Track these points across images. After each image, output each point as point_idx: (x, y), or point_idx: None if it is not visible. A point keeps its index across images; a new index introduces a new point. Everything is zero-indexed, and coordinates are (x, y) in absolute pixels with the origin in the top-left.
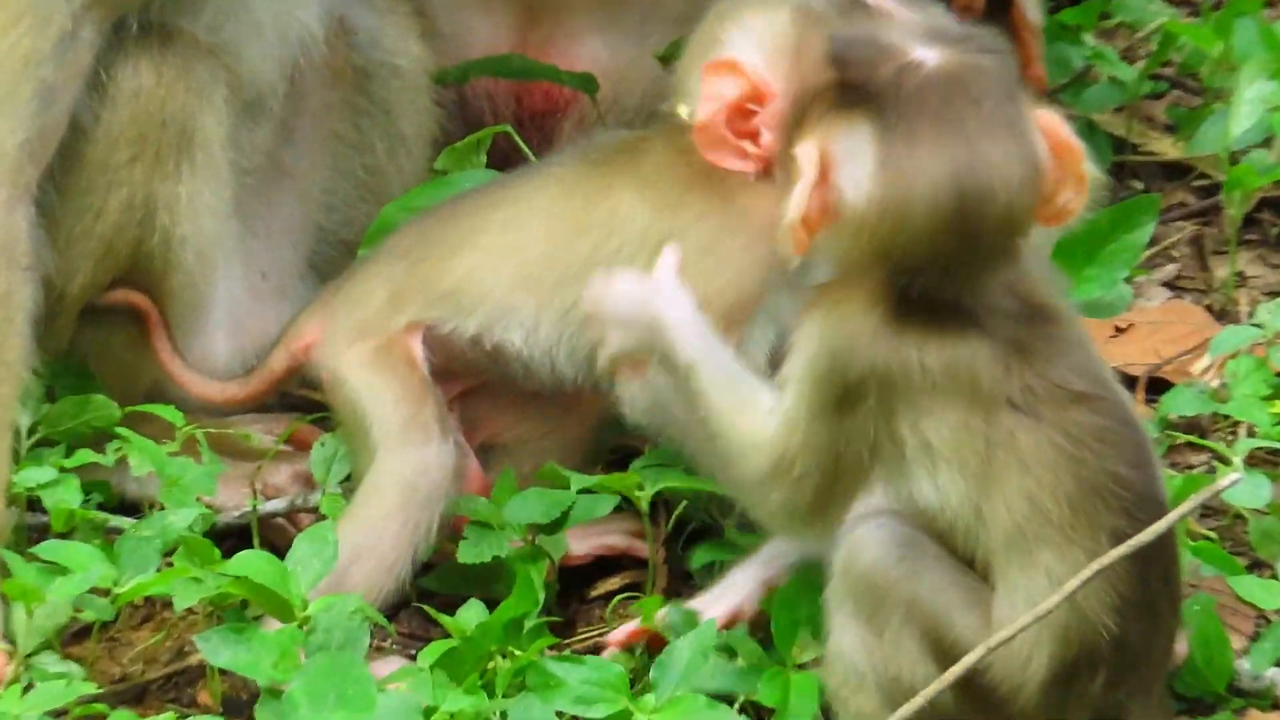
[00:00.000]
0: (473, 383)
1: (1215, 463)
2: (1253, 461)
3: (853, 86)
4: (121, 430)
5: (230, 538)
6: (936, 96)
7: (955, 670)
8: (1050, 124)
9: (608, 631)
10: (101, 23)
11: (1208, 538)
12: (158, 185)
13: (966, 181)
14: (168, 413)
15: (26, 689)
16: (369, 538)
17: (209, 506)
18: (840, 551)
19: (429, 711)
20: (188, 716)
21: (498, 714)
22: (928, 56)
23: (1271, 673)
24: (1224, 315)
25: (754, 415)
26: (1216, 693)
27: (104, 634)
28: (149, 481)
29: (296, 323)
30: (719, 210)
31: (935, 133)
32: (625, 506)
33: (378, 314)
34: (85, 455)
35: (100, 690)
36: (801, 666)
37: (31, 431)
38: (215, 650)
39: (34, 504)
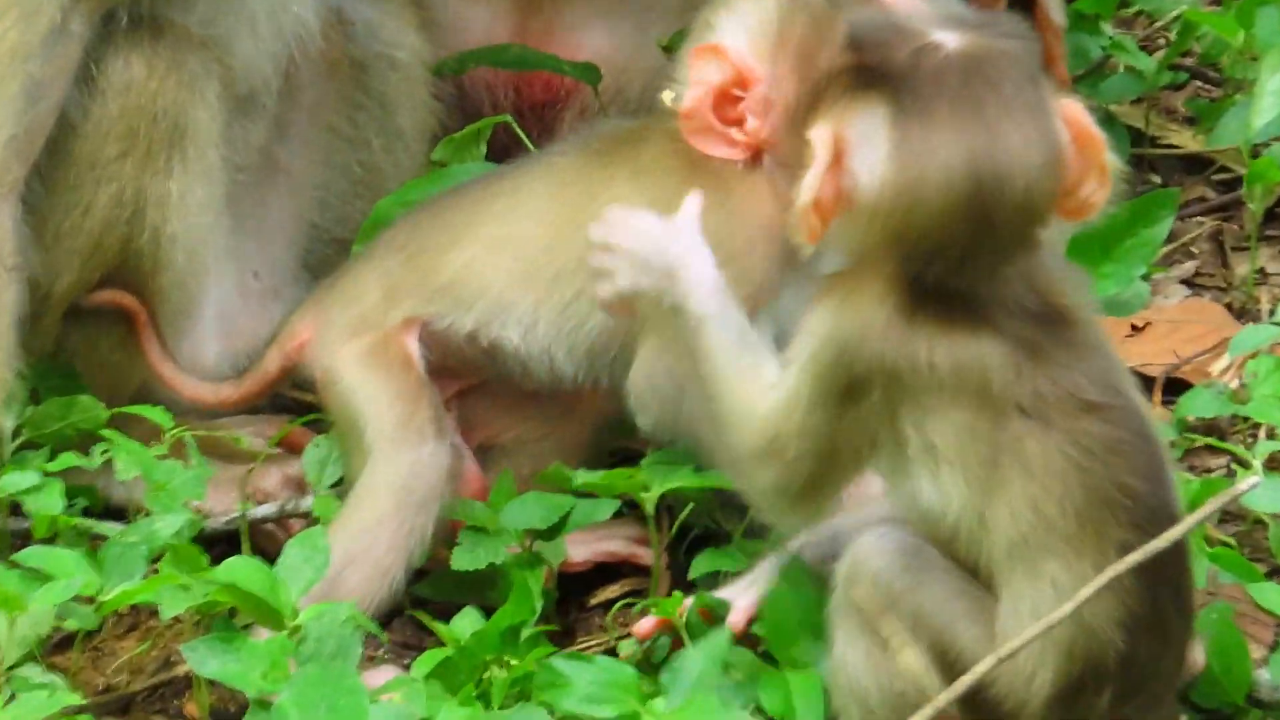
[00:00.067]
0: (470, 381)
1: (1234, 466)
2: (1273, 465)
3: (869, 69)
4: (107, 432)
5: (219, 544)
6: (955, 78)
7: (965, 680)
8: (1073, 113)
9: (608, 640)
10: (91, 15)
11: (1226, 544)
12: (148, 181)
13: (984, 165)
14: (156, 414)
15: (8, 701)
16: (362, 543)
17: (197, 511)
18: (843, 562)
19: None
20: None
21: None
22: (947, 39)
23: None
24: (1244, 314)
25: (755, 386)
26: (1235, 704)
27: (88, 643)
28: (135, 486)
29: (290, 321)
30: (718, 204)
31: (952, 115)
32: (626, 511)
33: (372, 309)
34: (69, 459)
35: (84, 702)
36: (796, 668)
37: (16, 434)
38: (203, 660)
39: (16, 509)
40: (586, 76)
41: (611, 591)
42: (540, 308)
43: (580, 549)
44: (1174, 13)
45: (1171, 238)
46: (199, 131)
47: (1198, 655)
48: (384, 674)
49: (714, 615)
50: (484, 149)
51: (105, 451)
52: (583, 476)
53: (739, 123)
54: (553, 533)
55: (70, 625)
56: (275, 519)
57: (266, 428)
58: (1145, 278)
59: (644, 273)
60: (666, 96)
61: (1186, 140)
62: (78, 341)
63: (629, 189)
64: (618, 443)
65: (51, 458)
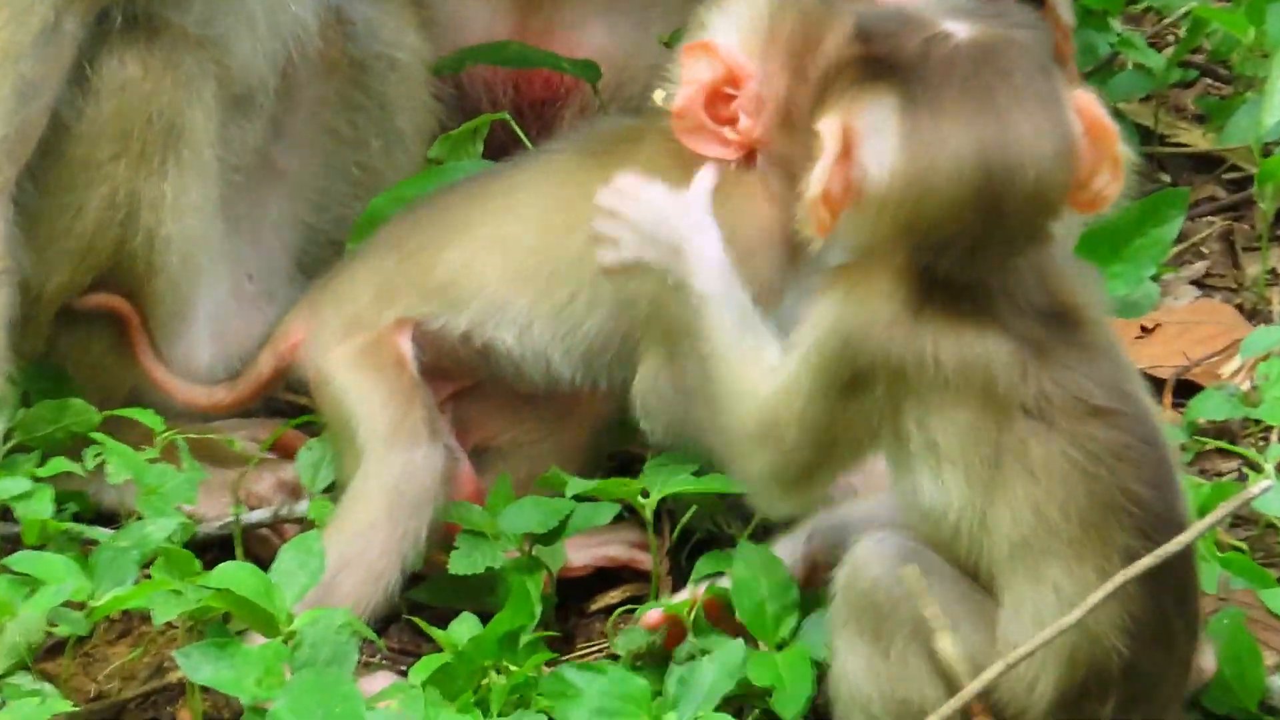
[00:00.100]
0: (465, 383)
1: (1246, 470)
2: None
3: (877, 59)
4: (99, 435)
5: (212, 549)
6: (965, 68)
7: (973, 686)
8: (1085, 103)
9: (607, 646)
10: (85, 15)
11: (1238, 549)
12: (142, 183)
13: (995, 155)
14: (148, 417)
15: None
16: (355, 546)
17: (189, 516)
18: (842, 569)
19: None
20: None
21: None
22: (957, 29)
23: None
24: (1255, 315)
25: (756, 368)
26: (1247, 710)
27: (79, 650)
28: (127, 491)
29: (283, 323)
30: (715, 207)
31: (963, 105)
32: (627, 515)
33: (365, 310)
34: (60, 464)
35: (75, 709)
36: (782, 645)
37: (6, 437)
38: (196, 666)
39: (6, 513)
40: (586, 74)
41: (612, 597)
42: (535, 309)
43: (580, 554)
44: (1183, 9)
45: (1181, 238)
46: (194, 132)
47: (1208, 661)
48: (380, 680)
49: (721, 610)
50: (481, 147)
51: (97, 455)
52: (577, 485)
53: (731, 121)
54: (552, 537)
55: (61, 631)
56: (269, 524)
57: (260, 431)
58: (1155, 278)
59: (650, 246)
60: (658, 95)
61: (1196, 139)
62: (69, 344)
63: None
64: (617, 447)
65: (42, 462)
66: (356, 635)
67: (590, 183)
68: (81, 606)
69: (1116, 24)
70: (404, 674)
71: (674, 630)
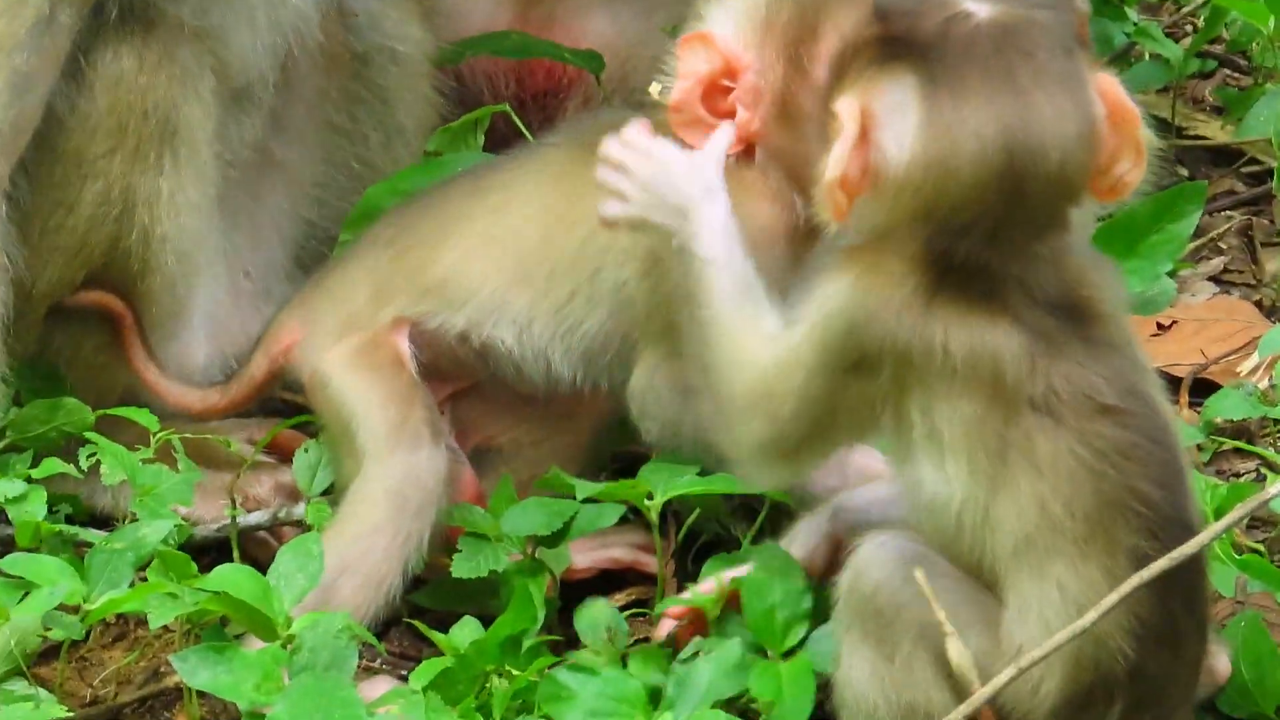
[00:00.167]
0: (464, 383)
1: (1264, 470)
2: None
3: (896, 39)
4: (92, 435)
5: (209, 552)
6: (987, 47)
7: (985, 692)
8: (1108, 86)
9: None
10: (80, 6)
11: (1255, 550)
12: (137, 179)
13: (1017, 137)
14: (143, 417)
15: None
16: (356, 551)
17: (185, 518)
18: (845, 572)
19: None
20: None
21: None
22: (978, 8)
23: None
24: (1274, 312)
25: (754, 336)
26: (1265, 715)
27: (74, 654)
28: (121, 493)
29: (276, 323)
30: None
31: (985, 86)
32: (632, 517)
33: (361, 309)
34: (54, 465)
35: (70, 714)
36: (788, 654)
37: None
38: (193, 671)
39: None
40: (589, 64)
41: (616, 600)
42: (535, 307)
43: (584, 556)
44: None
45: (1199, 233)
46: (191, 127)
47: (1221, 664)
48: (381, 685)
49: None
50: (481, 139)
51: (91, 455)
52: (584, 489)
53: (729, 114)
54: (555, 539)
55: (56, 635)
56: (267, 526)
57: (257, 431)
58: (1172, 274)
59: (656, 206)
60: (654, 89)
61: (1215, 131)
62: (62, 343)
63: None
64: (619, 447)
65: (35, 462)
66: (356, 639)
67: (587, 178)
68: (76, 610)
69: (1133, 13)
70: (404, 679)
71: (694, 623)
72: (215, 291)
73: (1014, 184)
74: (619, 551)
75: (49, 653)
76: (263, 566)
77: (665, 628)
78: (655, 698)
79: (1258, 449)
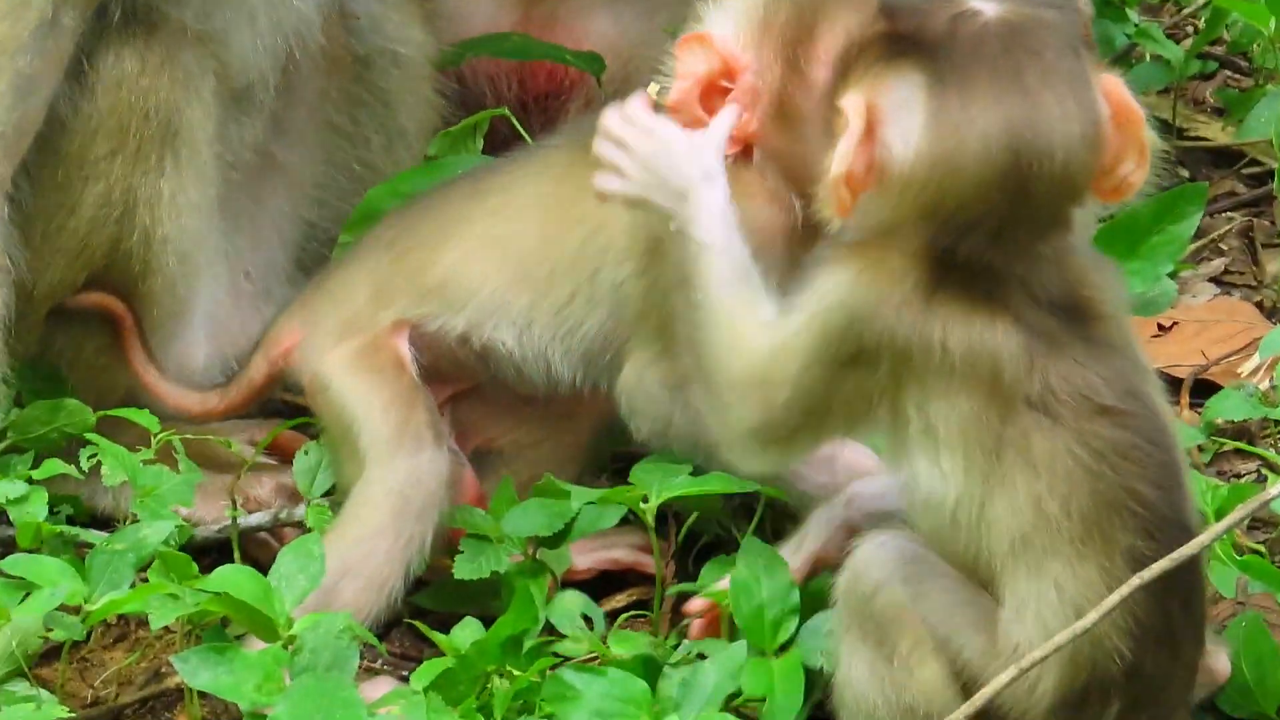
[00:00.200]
0: (464, 385)
1: (1264, 471)
2: None
3: (903, 36)
4: (93, 436)
5: (210, 553)
6: (994, 46)
7: (985, 693)
8: (1112, 86)
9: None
10: (84, 9)
11: (1256, 551)
12: (138, 181)
13: (1023, 136)
14: (143, 418)
15: None
16: (358, 553)
17: (186, 519)
18: (844, 573)
19: None
20: None
21: None
22: (985, 6)
23: None
24: (1275, 313)
25: (749, 320)
26: (1267, 715)
27: (75, 654)
28: (122, 494)
29: (275, 326)
30: None
31: (992, 84)
32: (632, 518)
33: (361, 311)
34: (55, 466)
35: (71, 715)
36: (780, 651)
37: (0, 437)
38: (194, 672)
39: (0, 516)
40: (590, 66)
41: (617, 601)
42: (535, 309)
43: (584, 557)
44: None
45: (1200, 234)
46: (193, 129)
47: (1221, 664)
48: (382, 686)
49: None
50: (481, 143)
51: (92, 456)
52: (580, 495)
53: None
54: (556, 540)
55: (57, 636)
56: (268, 527)
57: (259, 432)
58: (1172, 276)
59: (655, 187)
60: (652, 89)
61: (1215, 132)
62: (63, 344)
63: None
64: (620, 448)
65: (36, 463)
66: (357, 640)
67: (587, 180)
68: (77, 611)
69: (1134, 15)
70: (405, 679)
71: (714, 616)
72: (216, 293)
73: (1019, 183)
74: (619, 553)
75: (50, 653)
76: (264, 567)
77: (697, 629)
78: (660, 699)
79: (1258, 450)
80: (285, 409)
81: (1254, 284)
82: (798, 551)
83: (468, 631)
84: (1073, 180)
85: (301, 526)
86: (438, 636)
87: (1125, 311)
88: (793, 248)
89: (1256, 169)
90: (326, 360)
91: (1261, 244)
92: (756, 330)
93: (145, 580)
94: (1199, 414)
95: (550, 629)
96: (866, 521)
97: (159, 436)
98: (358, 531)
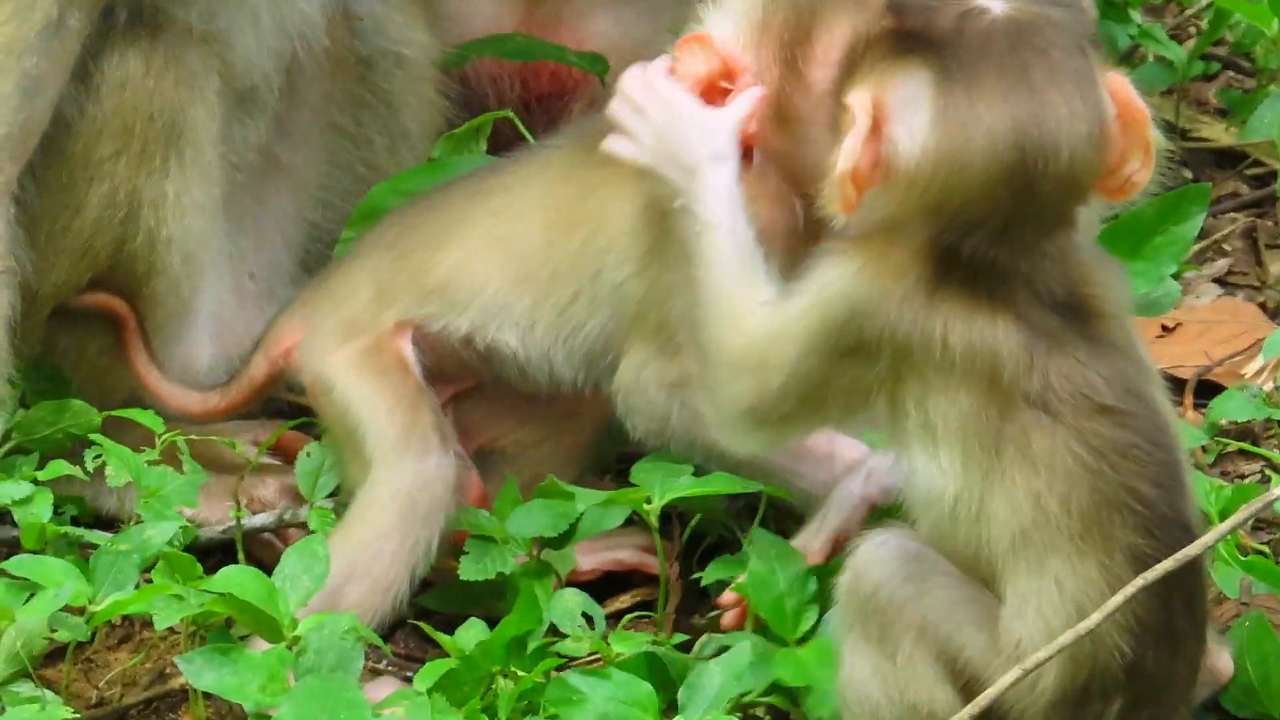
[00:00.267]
0: (466, 385)
1: (1268, 471)
2: None
3: (911, 33)
4: (97, 437)
5: (214, 554)
6: (1001, 44)
7: (989, 694)
8: (1118, 86)
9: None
10: (90, 10)
11: (1260, 552)
12: (143, 182)
13: (1030, 134)
14: (147, 418)
15: None
16: (364, 557)
17: (191, 520)
18: (845, 573)
19: None
20: None
21: None
22: (992, 4)
23: None
24: (1278, 314)
25: (748, 298)
26: (1270, 715)
27: (79, 655)
28: (127, 495)
29: (276, 324)
30: None
31: (999, 82)
32: (636, 519)
33: (363, 312)
34: (59, 467)
35: (76, 716)
36: (802, 641)
37: (4, 439)
38: (198, 672)
39: (4, 517)
40: (593, 67)
41: (622, 602)
42: (538, 309)
43: (589, 558)
44: (1205, 0)
45: (1203, 235)
46: (197, 130)
47: (1224, 663)
48: (386, 687)
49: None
50: (484, 145)
51: (97, 457)
52: (584, 497)
53: None
54: (561, 541)
55: (61, 637)
56: (273, 528)
57: (263, 433)
58: (1176, 276)
59: (667, 160)
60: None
61: (1219, 133)
62: (67, 345)
63: (622, 192)
64: (623, 447)
65: (41, 464)
66: (362, 641)
67: (589, 181)
68: (81, 611)
69: (1137, 15)
70: (409, 680)
71: (744, 609)
72: (220, 294)
73: (1024, 181)
74: (624, 553)
75: (54, 654)
76: (268, 568)
77: (731, 618)
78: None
79: (1262, 451)
80: (290, 409)
81: (1257, 285)
82: (819, 531)
83: (472, 632)
84: (1078, 178)
85: (305, 527)
86: (442, 637)
87: (1128, 311)
88: (794, 249)
89: (1259, 170)
90: (330, 362)
91: (1265, 245)
92: (756, 310)
93: (150, 581)
94: (1203, 415)
95: (553, 629)
96: (884, 495)
97: (163, 437)
98: (363, 535)
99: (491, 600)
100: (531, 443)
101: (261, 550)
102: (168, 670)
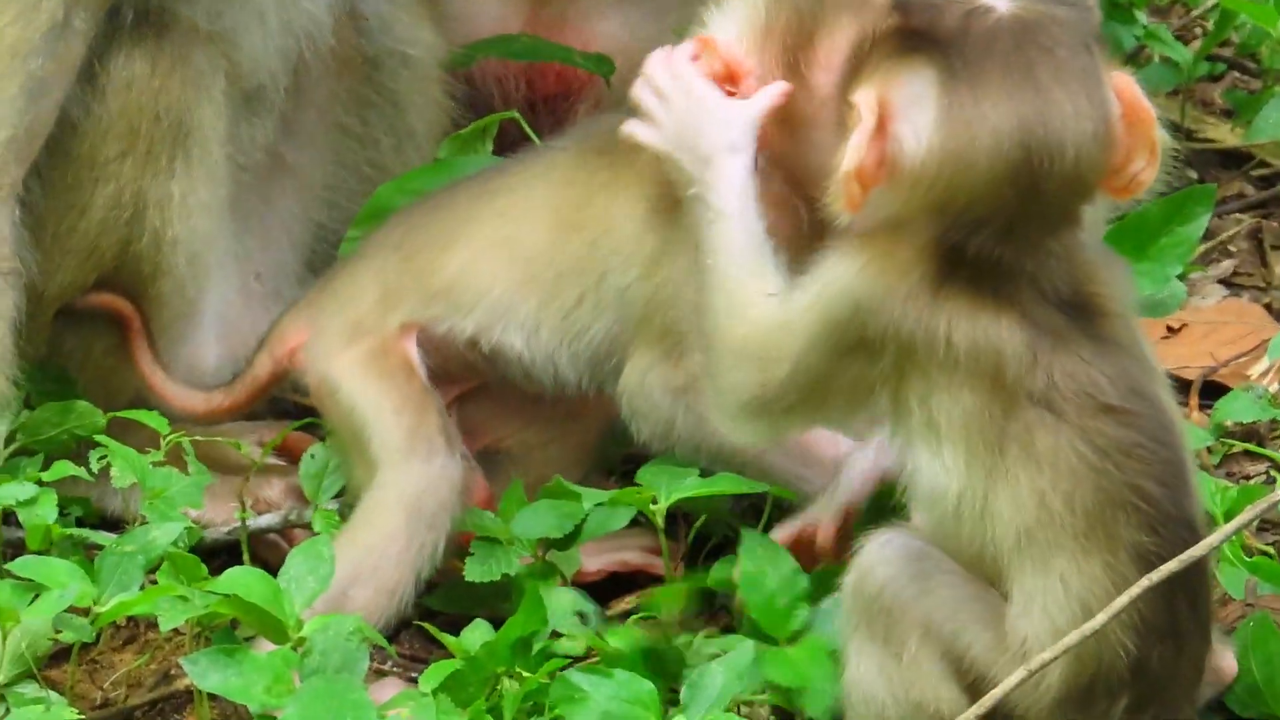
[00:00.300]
0: (470, 385)
1: (1274, 472)
2: None
3: (916, 32)
4: (102, 438)
5: (219, 555)
6: (1007, 42)
7: (995, 694)
8: (1124, 85)
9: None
10: (95, 11)
11: (1265, 553)
12: (148, 182)
13: (1035, 133)
14: (152, 419)
15: (2, 716)
16: (369, 560)
17: (196, 521)
18: (850, 573)
19: None
20: None
21: None
22: (998, 3)
23: None
24: None
25: (755, 288)
26: (1275, 716)
27: (84, 656)
28: (132, 496)
29: (281, 324)
30: None
31: (1004, 80)
32: (642, 520)
33: (368, 313)
34: (64, 468)
35: (81, 717)
36: (793, 640)
37: (9, 440)
38: (204, 674)
39: (9, 517)
40: (599, 68)
41: (627, 602)
42: (543, 312)
43: (594, 559)
44: (1211, 1)
45: (1208, 235)
46: (203, 130)
47: (1227, 663)
48: (391, 688)
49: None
50: (490, 146)
51: (102, 458)
52: (590, 496)
53: None
54: (566, 542)
55: (66, 638)
56: (278, 529)
57: (268, 434)
58: (1181, 277)
59: (684, 147)
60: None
61: (1224, 134)
62: (72, 346)
63: (627, 196)
64: (628, 448)
65: (46, 465)
66: (367, 642)
67: (594, 183)
68: (86, 612)
69: (1143, 16)
70: (415, 681)
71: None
72: (226, 294)
73: (1030, 180)
74: (629, 554)
75: (59, 655)
76: (273, 569)
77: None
78: (669, 699)
79: (1268, 451)
80: (295, 410)
81: (1263, 286)
82: (830, 504)
83: (477, 633)
84: (1084, 177)
85: (310, 528)
86: (447, 638)
87: (1133, 310)
88: (798, 252)
89: (1265, 170)
90: (335, 363)
91: (1270, 246)
92: (762, 301)
93: (154, 582)
94: (1208, 416)
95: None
96: (898, 470)
97: (168, 438)
98: (369, 538)
99: (497, 601)
100: (537, 444)
101: (267, 551)
102: (173, 671)
